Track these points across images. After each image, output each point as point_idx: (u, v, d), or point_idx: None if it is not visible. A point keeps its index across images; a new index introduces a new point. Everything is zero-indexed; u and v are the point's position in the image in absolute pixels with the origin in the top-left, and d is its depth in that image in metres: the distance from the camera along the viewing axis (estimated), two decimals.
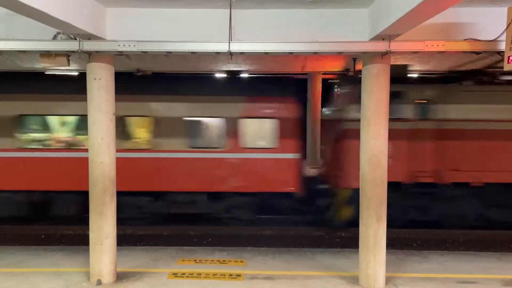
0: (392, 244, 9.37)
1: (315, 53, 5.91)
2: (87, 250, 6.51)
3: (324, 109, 12.06)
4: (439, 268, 7.23)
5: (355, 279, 6.56)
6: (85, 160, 6.46)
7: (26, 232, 10.49)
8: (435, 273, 6.96)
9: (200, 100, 10.62)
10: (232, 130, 10.60)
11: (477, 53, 5.93)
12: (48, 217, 11.07)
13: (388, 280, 6.51)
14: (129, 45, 5.85)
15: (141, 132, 10.81)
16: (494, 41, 5.73)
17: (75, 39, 5.84)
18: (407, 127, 10.27)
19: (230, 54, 5.91)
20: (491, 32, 5.83)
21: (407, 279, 6.70)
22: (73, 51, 5.92)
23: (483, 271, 7.08)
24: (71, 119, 10.77)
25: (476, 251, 8.88)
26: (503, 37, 5.25)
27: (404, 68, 8.61)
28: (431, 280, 6.65)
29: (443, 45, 5.70)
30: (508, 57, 5.09)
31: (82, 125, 10.50)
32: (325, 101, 11.99)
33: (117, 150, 6.60)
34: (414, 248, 9.71)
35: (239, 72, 10.58)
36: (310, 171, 11.19)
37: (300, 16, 6.11)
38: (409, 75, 9.38)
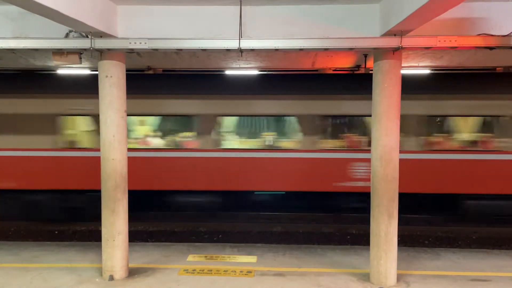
0: (404, 241, 9.34)
1: (326, 49, 5.88)
2: (100, 246, 6.59)
3: None
4: (451, 266, 7.17)
5: (366, 276, 6.54)
6: None
7: (40, 228, 10.64)
8: (447, 271, 6.91)
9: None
10: None
11: (491, 48, 5.84)
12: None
13: (399, 277, 6.48)
14: (140, 43, 5.88)
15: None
16: (508, 36, 5.65)
17: (87, 37, 5.89)
18: None
19: (241, 51, 5.91)
20: (504, 27, 5.75)
21: (419, 276, 6.66)
22: (84, 49, 5.96)
23: (496, 269, 7.01)
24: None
25: (489, 249, 8.78)
26: None
27: None
28: (443, 278, 6.60)
29: (455, 41, 5.62)
30: None
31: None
32: None
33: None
34: (426, 245, 9.65)
35: None
36: None
37: (310, 12, 6.09)
38: None
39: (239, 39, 5.84)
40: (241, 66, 9.78)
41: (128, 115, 6.62)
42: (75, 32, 6.00)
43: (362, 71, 9.84)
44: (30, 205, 10.40)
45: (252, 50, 5.96)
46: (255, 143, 10.39)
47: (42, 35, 6.07)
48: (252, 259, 7.43)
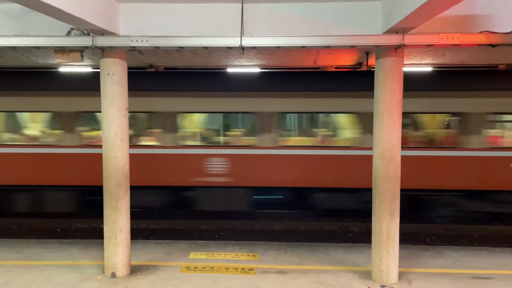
0: (406, 239, 9.33)
1: (328, 47, 5.86)
2: (102, 244, 6.61)
3: None
4: (453, 264, 7.17)
5: (368, 274, 6.54)
6: None
7: (42, 226, 10.67)
8: (449, 269, 6.91)
9: None
10: None
11: (493, 45, 5.82)
12: None
13: (401, 275, 6.48)
14: (142, 40, 5.88)
15: None
16: (511, 33, 5.62)
17: (89, 34, 5.89)
18: None
19: (242, 48, 5.90)
20: (507, 24, 5.72)
21: (421, 274, 6.66)
22: (86, 47, 5.97)
23: (498, 267, 7.00)
24: None
25: (491, 247, 8.78)
26: None
27: None
28: (445, 276, 6.59)
29: (458, 38, 5.60)
30: None
31: None
32: None
33: None
34: (428, 243, 9.65)
35: None
36: None
37: (312, 10, 6.08)
38: None
39: (241, 36, 5.83)
40: (242, 63, 9.78)
41: None
42: (76, 30, 6.00)
43: (364, 68, 9.84)
44: None
45: (254, 47, 5.95)
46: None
47: (44, 33, 6.08)
48: (253, 256, 7.44)
